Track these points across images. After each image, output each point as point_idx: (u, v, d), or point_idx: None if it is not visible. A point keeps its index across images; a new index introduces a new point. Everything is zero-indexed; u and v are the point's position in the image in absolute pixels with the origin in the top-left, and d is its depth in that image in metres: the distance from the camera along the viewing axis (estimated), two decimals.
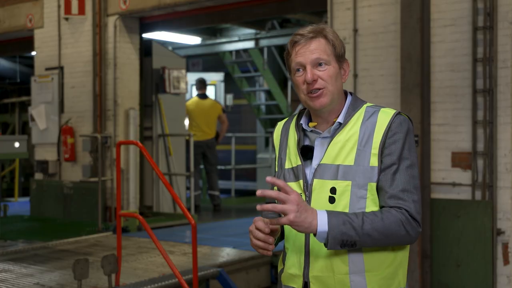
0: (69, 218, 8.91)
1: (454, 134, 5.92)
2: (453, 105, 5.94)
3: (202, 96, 10.42)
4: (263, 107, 13.33)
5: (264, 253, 2.02)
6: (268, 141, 12.90)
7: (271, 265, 6.24)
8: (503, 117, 5.66)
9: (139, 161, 8.95)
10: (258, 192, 1.87)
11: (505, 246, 5.64)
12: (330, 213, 1.95)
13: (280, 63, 13.14)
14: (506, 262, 5.63)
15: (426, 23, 5.93)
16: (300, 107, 13.08)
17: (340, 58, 2.12)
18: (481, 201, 5.70)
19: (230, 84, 13.28)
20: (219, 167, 12.24)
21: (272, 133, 12.51)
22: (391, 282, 2.07)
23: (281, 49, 13.20)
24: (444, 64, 5.97)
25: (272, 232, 2.03)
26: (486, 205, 5.65)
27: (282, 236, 2.21)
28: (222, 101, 12.61)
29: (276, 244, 2.14)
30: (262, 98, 13.37)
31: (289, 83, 13.13)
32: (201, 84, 10.50)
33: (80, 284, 4.52)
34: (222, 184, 13.20)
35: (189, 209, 8.76)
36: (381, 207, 2.05)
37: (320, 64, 2.08)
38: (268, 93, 13.08)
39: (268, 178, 1.89)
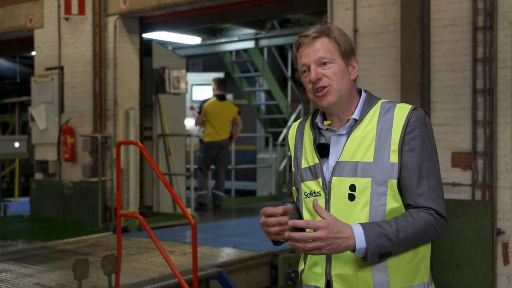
0: (69, 218, 8.91)
1: (454, 134, 5.92)
2: (453, 105, 5.94)
3: (221, 97, 10.25)
4: (263, 107, 13.33)
5: (284, 236, 1.99)
6: (268, 141, 12.89)
7: (271, 265, 6.24)
8: (503, 117, 5.66)
9: (139, 161, 8.95)
10: (290, 223, 1.91)
11: (505, 246, 5.65)
12: (365, 227, 1.94)
13: (280, 63, 13.13)
14: (506, 262, 5.63)
15: (426, 23, 5.93)
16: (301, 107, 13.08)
17: (346, 55, 2.11)
18: (481, 201, 5.70)
19: (230, 84, 13.27)
20: None
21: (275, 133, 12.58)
22: (414, 278, 2.06)
23: (281, 49, 13.20)
24: (444, 64, 5.97)
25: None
26: (486, 205, 5.65)
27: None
28: None
29: (281, 243, 2.14)
30: (262, 98, 13.37)
31: (289, 83, 13.13)
32: (221, 85, 10.28)
33: (80, 284, 4.52)
34: None
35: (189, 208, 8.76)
36: (407, 205, 2.05)
37: (324, 63, 2.07)
38: (268, 93, 13.08)
39: (290, 222, 1.92)
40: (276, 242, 2.15)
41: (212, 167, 10.75)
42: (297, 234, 1.90)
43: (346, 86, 2.10)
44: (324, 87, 2.07)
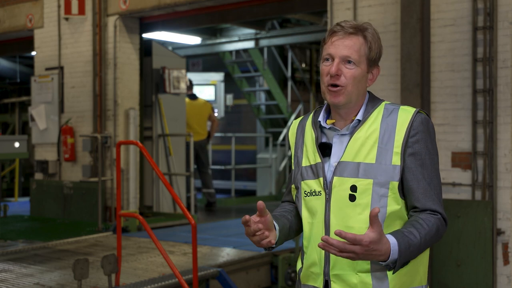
0: (69, 218, 8.91)
1: (454, 134, 5.92)
2: (453, 105, 5.94)
3: (193, 96, 10.33)
4: (263, 107, 13.33)
5: (264, 242, 2.02)
6: (268, 141, 12.90)
7: (271, 265, 6.24)
8: (503, 117, 5.66)
9: (139, 161, 8.95)
10: (336, 232, 1.81)
11: (505, 246, 5.65)
12: (399, 242, 1.90)
13: (280, 63, 13.13)
14: (506, 262, 5.64)
15: (426, 23, 5.93)
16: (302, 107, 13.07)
17: (372, 62, 2.10)
18: (481, 201, 5.70)
19: (230, 84, 13.28)
20: (218, 167, 12.26)
21: (275, 132, 12.59)
22: (412, 280, 2.05)
23: (281, 49, 13.20)
24: (444, 64, 5.97)
25: (264, 223, 2.03)
26: (486, 205, 5.65)
27: (285, 237, 2.18)
28: (222, 101, 12.60)
29: (279, 243, 2.13)
30: (262, 98, 13.37)
31: (289, 83, 13.13)
32: (189, 85, 10.45)
33: (80, 284, 4.52)
34: (222, 184, 13.21)
35: (189, 209, 8.76)
36: (413, 207, 2.03)
37: (349, 62, 2.06)
38: (268, 93, 13.08)
39: (337, 232, 1.81)
40: (267, 247, 2.13)
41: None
42: (335, 243, 1.82)
43: (359, 91, 2.09)
44: (338, 86, 2.06)
